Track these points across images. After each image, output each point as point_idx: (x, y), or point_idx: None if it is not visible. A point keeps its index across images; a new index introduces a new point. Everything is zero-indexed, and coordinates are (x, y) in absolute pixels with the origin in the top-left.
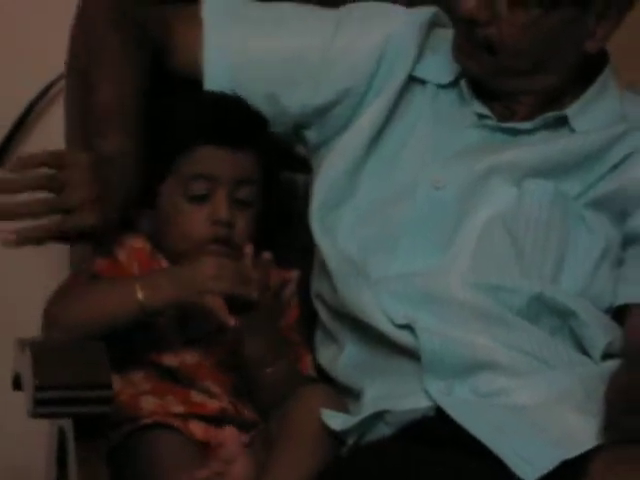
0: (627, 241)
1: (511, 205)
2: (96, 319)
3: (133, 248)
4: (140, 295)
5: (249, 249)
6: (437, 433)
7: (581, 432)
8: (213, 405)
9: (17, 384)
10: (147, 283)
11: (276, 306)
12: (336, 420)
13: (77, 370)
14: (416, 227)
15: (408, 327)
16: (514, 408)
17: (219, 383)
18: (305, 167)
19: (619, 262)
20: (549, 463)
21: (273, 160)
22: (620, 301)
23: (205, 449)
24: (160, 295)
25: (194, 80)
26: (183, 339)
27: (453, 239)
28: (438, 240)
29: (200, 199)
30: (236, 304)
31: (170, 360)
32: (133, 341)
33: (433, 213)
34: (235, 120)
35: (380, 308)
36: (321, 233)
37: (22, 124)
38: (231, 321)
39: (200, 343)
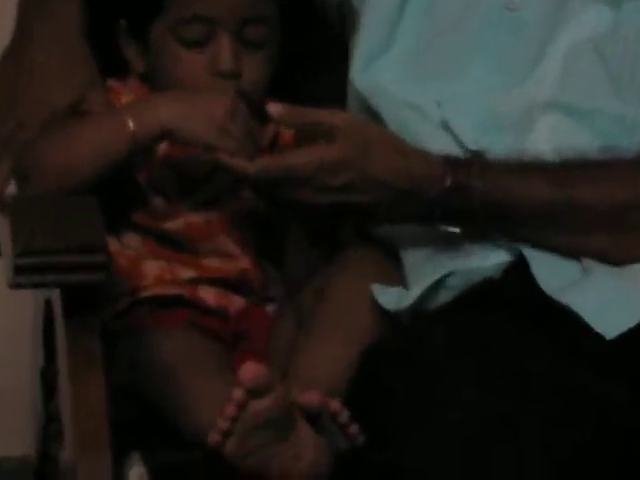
0: None
1: (604, 27)
2: (79, 162)
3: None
4: (131, 123)
5: (275, 109)
6: (506, 295)
7: None
8: (230, 266)
9: None
10: (140, 106)
11: None
12: (389, 297)
13: (65, 231)
14: (487, 55)
15: None
16: None
17: (236, 240)
18: None
19: None
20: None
21: None
22: None
23: (219, 326)
24: (155, 116)
25: None
26: (186, 204)
27: (533, 69)
28: (514, 71)
29: (198, 44)
30: None
31: (170, 224)
32: (122, 205)
33: (507, 39)
34: None
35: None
36: (368, 86)
37: None
38: (251, 167)
39: (208, 206)
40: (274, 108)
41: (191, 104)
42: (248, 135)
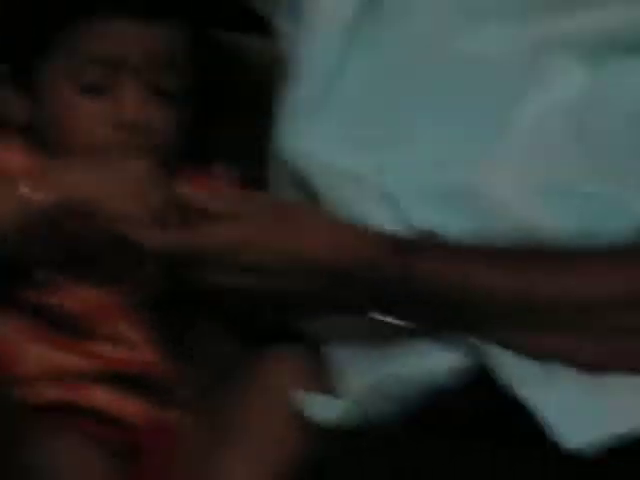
0: None
1: (580, 91)
2: None
3: None
4: (25, 190)
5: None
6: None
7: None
8: (130, 357)
9: None
10: (34, 172)
11: None
12: (318, 407)
13: None
14: (442, 114)
15: None
16: None
17: (138, 326)
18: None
19: None
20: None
21: (208, 29)
22: None
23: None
24: (54, 183)
25: None
26: (78, 279)
27: (497, 136)
28: (475, 136)
29: (98, 89)
30: None
31: (58, 301)
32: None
33: (467, 96)
34: None
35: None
36: (297, 152)
37: None
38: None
39: (104, 282)
40: (182, 191)
41: (99, 169)
42: (164, 205)
